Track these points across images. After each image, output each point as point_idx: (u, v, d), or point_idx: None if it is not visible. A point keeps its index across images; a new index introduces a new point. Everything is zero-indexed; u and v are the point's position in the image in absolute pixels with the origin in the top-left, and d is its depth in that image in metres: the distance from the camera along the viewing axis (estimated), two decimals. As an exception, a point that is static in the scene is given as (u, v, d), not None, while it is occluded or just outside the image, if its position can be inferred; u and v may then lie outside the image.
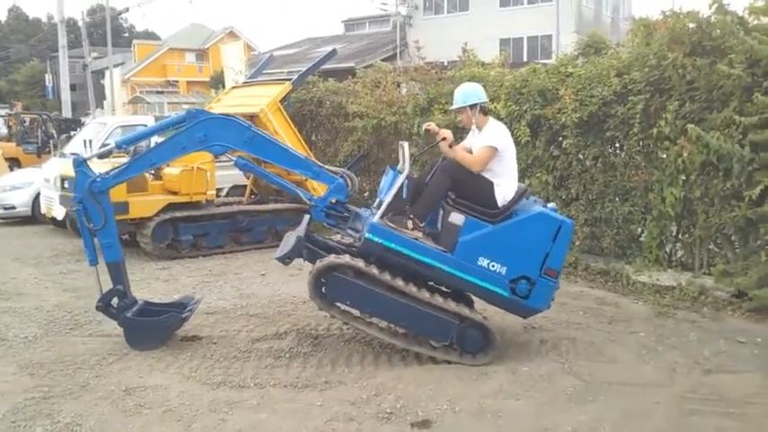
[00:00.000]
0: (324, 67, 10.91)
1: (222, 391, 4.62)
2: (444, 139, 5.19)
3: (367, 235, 4.96)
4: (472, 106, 5.24)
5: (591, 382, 4.76)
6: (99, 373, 4.94)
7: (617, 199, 7.45)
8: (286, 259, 5.24)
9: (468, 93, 5.29)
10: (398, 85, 10.49)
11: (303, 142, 9.75)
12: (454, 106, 5.40)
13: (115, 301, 5.45)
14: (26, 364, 5.10)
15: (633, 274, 7.15)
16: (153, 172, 9.52)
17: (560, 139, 7.73)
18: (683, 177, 6.64)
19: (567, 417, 4.24)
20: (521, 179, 8.09)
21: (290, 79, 10.00)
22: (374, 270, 4.96)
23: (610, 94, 7.13)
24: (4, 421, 4.18)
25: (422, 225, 5.13)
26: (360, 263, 4.97)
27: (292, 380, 4.78)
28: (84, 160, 5.31)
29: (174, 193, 9.03)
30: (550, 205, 5.27)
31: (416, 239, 5.01)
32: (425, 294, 5.00)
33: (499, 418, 4.23)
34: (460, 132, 8.70)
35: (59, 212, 10.43)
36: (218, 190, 10.12)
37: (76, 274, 8.08)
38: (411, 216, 5.08)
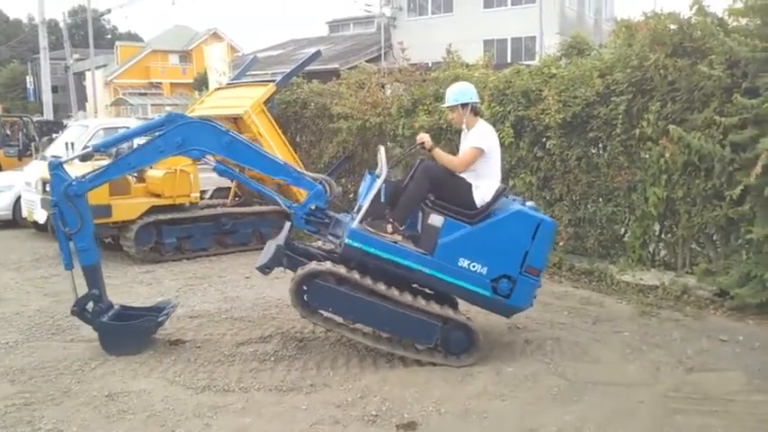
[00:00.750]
0: (308, 68, 10.88)
1: (207, 396, 4.59)
2: (423, 143, 5.20)
3: (346, 240, 4.96)
4: (464, 105, 5.26)
5: (576, 381, 4.78)
6: (81, 378, 4.88)
7: (600, 199, 7.49)
8: (266, 269, 5.22)
9: (460, 92, 5.32)
10: (383, 87, 10.48)
11: (288, 144, 9.71)
12: (446, 104, 5.42)
13: (90, 305, 5.39)
14: (6, 371, 5.03)
15: (617, 273, 7.20)
16: (136, 174, 9.47)
17: (544, 139, 7.76)
18: (666, 177, 6.69)
19: (553, 417, 4.25)
20: (504, 180, 8.15)
21: (274, 81, 9.95)
22: (356, 275, 4.95)
23: (593, 95, 7.18)
24: (-16, 429, 4.12)
25: (401, 228, 5.13)
26: (341, 269, 4.96)
27: (277, 383, 4.75)
28: (60, 163, 5.24)
29: (158, 196, 8.96)
30: (530, 204, 5.28)
31: (396, 243, 5.01)
32: (408, 298, 5.00)
33: (485, 419, 4.23)
34: (446, 133, 8.74)
35: (41, 216, 10.30)
36: (202, 192, 10.06)
37: (58, 279, 7.98)
38: (390, 220, 5.08)
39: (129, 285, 7.66)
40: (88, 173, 5.30)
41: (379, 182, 5.04)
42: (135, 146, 6.01)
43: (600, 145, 7.51)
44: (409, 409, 4.34)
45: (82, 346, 5.60)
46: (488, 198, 5.07)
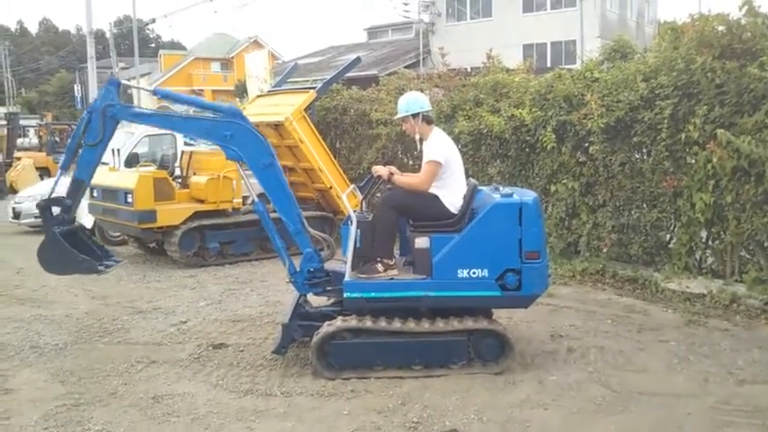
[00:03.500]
0: (347, 74, 10.95)
1: (249, 400, 4.64)
2: (380, 176, 5.22)
3: (345, 294, 4.97)
4: (414, 115, 5.22)
5: (620, 391, 4.68)
6: (127, 380, 5.00)
7: (645, 205, 7.34)
8: (281, 350, 5.24)
9: (410, 102, 5.28)
10: (422, 92, 10.47)
11: (327, 150, 9.79)
12: (397, 116, 5.39)
13: (57, 211, 5.44)
14: (57, 372, 5.18)
15: (662, 281, 7.03)
16: (180, 180, 9.66)
17: (586, 144, 7.65)
18: (713, 183, 6.53)
19: (597, 427, 4.17)
20: (547, 186, 8.09)
21: (314, 87, 10.04)
22: (368, 322, 4.93)
23: (637, 99, 7.04)
24: (36, 428, 4.24)
25: (392, 262, 5.12)
26: (352, 321, 4.94)
27: (319, 388, 4.78)
28: (120, 83, 5.52)
29: (201, 202, 9.13)
30: (505, 190, 5.13)
31: (392, 278, 5.00)
32: (425, 325, 4.96)
33: (527, 428, 4.18)
34: (486, 138, 8.69)
35: (88, 221, 10.58)
36: (245, 198, 10.19)
37: (104, 283, 8.18)
38: (378, 259, 5.06)
39: (174, 290, 7.81)
40: (137, 107, 5.46)
41: (352, 229, 5.05)
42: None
43: (644, 150, 7.36)
44: (450, 417, 4.31)
45: (128, 348, 5.74)
46: (458, 202, 5.03)
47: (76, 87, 54.60)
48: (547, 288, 5.22)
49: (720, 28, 6.46)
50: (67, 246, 5.33)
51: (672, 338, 5.74)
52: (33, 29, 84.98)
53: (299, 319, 5.29)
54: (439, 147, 5.14)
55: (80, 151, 5.42)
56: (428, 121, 5.30)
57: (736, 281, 6.71)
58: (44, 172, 16.43)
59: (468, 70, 11.02)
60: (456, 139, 9.09)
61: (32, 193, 12.55)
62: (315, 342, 4.97)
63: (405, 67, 17.49)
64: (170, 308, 6.99)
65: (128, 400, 4.66)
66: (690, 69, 6.61)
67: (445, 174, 5.09)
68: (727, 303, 6.46)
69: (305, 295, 5.53)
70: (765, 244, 6.57)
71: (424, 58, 30.23)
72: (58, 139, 18.75)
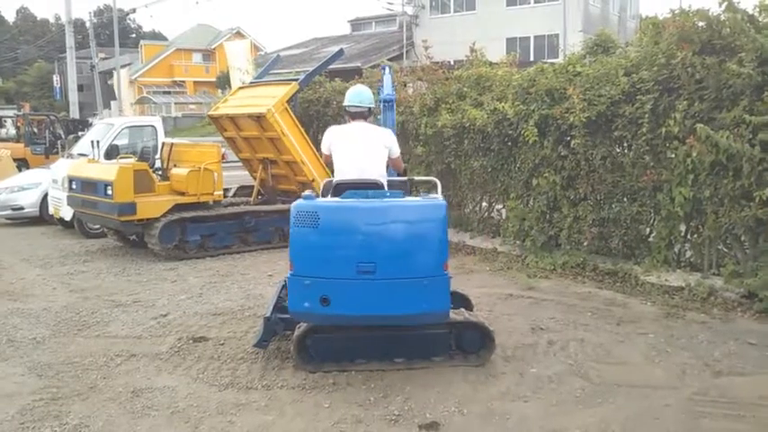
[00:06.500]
0: (330, 66, 10.90)
1: (230, 393, 4.62)
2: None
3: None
4: (369, 109, 5.36)
5: (600, 383, 4.72)
6: (107, 374, 4.95)
7: (625, 199, 7.40)
8: (263, 343, 5.22)
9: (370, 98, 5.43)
10: (405, 85, 10.47)
11: (310, 143, 9.74)
12: (362, 106, 5.37)
13: None
14: (34, 366, 5.12)
15: (642, 274, 7.10)
16: (160, 172, 9.57)
17: (568, 138, 7.69)
18: (693, 177, 6.58)
19: (576, 419, 4.21)
20: (528, 179, 8.11)
21: (296, 79, 9.99)
22: None
23: (618, 94, 7.08)
24: (13, 423, 4.19)
25: None
26: None
27: (300, 381, 4.76)
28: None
29: (182, 194, 9.04)
30: (306, 193, 4.89)
31: None
32: None
33: (507, 421, 4.20)
34: (468, 132, 8.69)
35: (67, 213, 10.47)
36: (226, 190, 10.14)
37: (84, 275, 8.11)
38: None
39: (154, 282, 7.74)
40: None
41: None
42: None
43: (625, 144, 7.41)
44: (431, 410, 4.32)
45: (107, 342, 5.68)
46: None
47: (55, 78, 53.89)
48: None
49: (700, 24, 6.51)
50: None
51: (651, 331, 5.80)
52: (10, 17, 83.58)
53: (281, 313, 5.27)
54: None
55: None
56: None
57: (714, 274, 6.79)
58: (22, 163, 16.16)
59: (452, 63, 11.02)
60: (439, 133, 9.11)
61: (9, 184, 12.37)
62: (296, 335, 4.95)
63: (388, 60, 17.43)
64: (150, 301, 6.92)
65: (106, 393, 4.61)
66: (670, 64, 6.66)
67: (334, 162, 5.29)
68: (705, 296, 6.54)
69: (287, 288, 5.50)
70: (742, 238, 6.66)
71: (407, 51, 30.22)
72: (36, 130, 18.46)
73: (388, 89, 6.52)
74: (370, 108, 5.37)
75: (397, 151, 5.33)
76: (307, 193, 4.89)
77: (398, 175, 5.59)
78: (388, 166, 5.36)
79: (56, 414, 4.30)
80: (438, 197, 4.92)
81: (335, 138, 5.30)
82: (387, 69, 6.97)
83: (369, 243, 4.51)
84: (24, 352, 5.43)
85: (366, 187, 4.81)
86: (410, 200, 4.81)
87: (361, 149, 5.14)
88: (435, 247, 4.57)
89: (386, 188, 4.93)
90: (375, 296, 4.53)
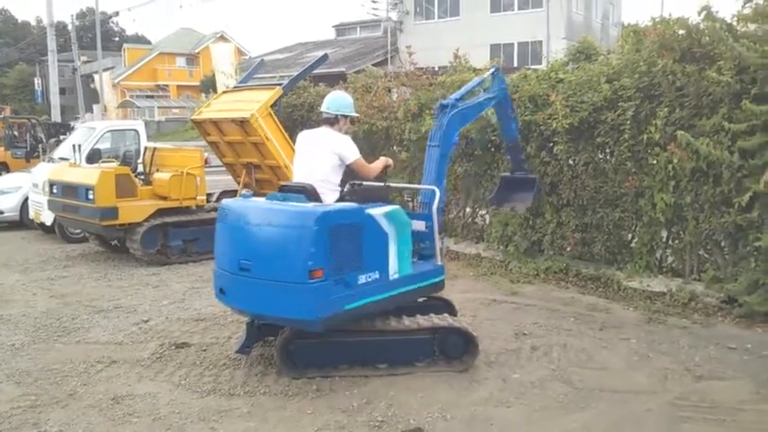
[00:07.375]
0: (315, 71, 10.89)
1: (212, 399, 4.58)
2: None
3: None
4: (344, 116, 5.43)
5: (582, 388, 4.75)
6: (87, 381, 4.89)
7: (608, 205, 7.45)
8: (245, 349, 5.19)
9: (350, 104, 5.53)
10: (389, 91, 10.48)
11: (294, 147, 9.70)
12: (340, 113, 5.43)
13: None
14: (12, 373, 5.04)
15: (624, 280, 7.16)
16: (142, 177, 9.49)
17: (551, 144, 7.74)
18: (674, 183, 6.65)
19: (559, 424, 4.23)
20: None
21: (280, 84, 9.96)
22: None
23: (600, 101, 7.14)
24: (-10, 431, 4.12)
25: None
26: None
27: (283, 388, 4.74)
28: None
29: (164, 199, 8.98)
30: (244, 192, 5.13)
31: None
32: (392, 323, 4.96)
33: (491, 426, 4.21)
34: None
35: (48, 218, 10.35)
36: (209, 195, 10.08)
37: (64, 281, 8.01)
38: None
39: (136, 288, 7.66)
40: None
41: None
42: None
43: (607, 150, 7.47)
44: (415, 415, 4.32)
45: (88, 348, 5.61)
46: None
47: (36, 81, 53.33)
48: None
49: (681, 32, 6.58)
50: None
51: (633, 336, 5.84)
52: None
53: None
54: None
55: None
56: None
57: (695, 279, 6.86)
58: (2, 167, 15.97)
59: (436, 69, 11.04)
60: (423, 138, 9.11)
61: (-11, 188, 12.19)
62: (279, 341, 4.93)
63: (372, 65, 17.47)
64: (132, 306, 6.86)
65: (86, 400, 4.55)
66: (651, 72, 6.73)
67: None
68: (686, 301, 6.61)
69: None
70: (722, 243, 6.74)
71: (392, 57, 30.26)
72: (16, 133, 18.23)
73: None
74: (337, 115, 5.37)
75: (350, 157, 5.25)
76: (244, 192, 5.01)
77: (378, 180, 5.58)
78: (351, 173, 5.32)
79: (34, 422, 4.24)
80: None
81: (298, 142, 5.49)
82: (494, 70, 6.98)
83: (248, 242, 4.70)
84: (2, 359, 5.35)
85: (291, 190, 4.94)
86: (289, 205, 4.71)
87: (309, 155, 5.29)
88: (302, 254, 4.40)
89: (318, 193, 4.95)
90: (252, 294, 4.67)
